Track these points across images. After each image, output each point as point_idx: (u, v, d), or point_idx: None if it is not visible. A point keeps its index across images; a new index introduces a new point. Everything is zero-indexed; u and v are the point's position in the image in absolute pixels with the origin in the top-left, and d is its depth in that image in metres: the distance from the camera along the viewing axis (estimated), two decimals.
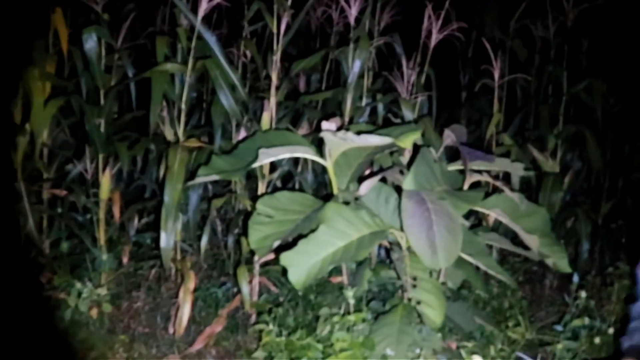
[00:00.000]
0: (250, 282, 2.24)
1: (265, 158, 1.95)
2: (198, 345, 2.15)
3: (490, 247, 2.42)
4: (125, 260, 2.48)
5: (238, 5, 2.48)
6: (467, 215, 2.09)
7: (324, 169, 2.33)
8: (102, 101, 2.37)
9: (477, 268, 2.05)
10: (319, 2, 2.92)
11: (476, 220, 2.55)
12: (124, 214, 2.46)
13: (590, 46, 3.01)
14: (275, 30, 2.30)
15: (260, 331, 1.96)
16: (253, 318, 2.26)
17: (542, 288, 2.78)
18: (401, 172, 2.05)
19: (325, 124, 2.02)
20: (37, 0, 2.30)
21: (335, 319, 1.88)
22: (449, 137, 2.16)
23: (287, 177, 2.67)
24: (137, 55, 2.62)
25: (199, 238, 2.38)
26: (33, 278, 2.30)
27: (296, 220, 1.91)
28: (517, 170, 2.19)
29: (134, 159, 2.71)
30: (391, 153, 2.27)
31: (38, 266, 2.37)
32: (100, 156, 2.38)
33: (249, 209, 2.26)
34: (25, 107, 2.31)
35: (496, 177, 2.38)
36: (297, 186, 2.65)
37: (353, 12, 2.47)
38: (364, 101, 2.60)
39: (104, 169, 2.38)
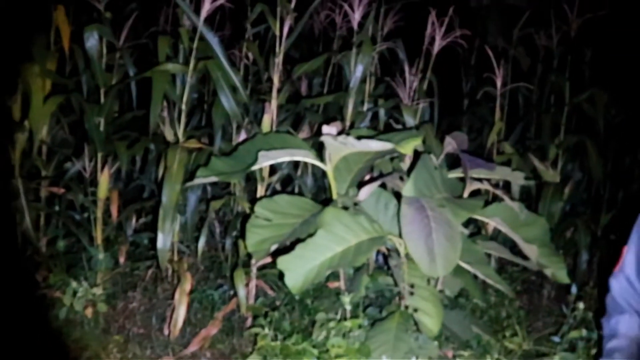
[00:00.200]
0: (247, 285, 2.23)
1: (265, 161, 1.94)
2: (193, 348, 2.14)
3: (489, 256, 2.41)
4: (121, 260, 2.46)
5: (241, 6, 2.48)
6: (466, 223, 2.09)
7: (323, 173, 2.32)
8: (102, 100, 2.36)
9: (475, 277, 2.04)
10: (323, 6, 2.92)
11: (475, 229, 2.54)
12: (121, 213, 2.45)
13: (593, 56, 3.00)
14: (277, 33, 2.30)
15: (256, 335, 1.95)
16: (249, 321, 2.24)
17: (540, 298, 2.77)
18: (401, 179, 2.05)
19: (325, 128, 2.01)
20: None
21: (332, 324, 1.87)
22: (450, 144, 2.15)
23: (287, 181, 2.66)
24: (138, 55, 2.61)
25: (197, 239, 2.37)
26: (29, 276, 2.29)
27: (294, 224, 1.90)
28: (518, 179, 2.18)
29: (133, 158, 2.69)
30: (391, 159, 2.26)
31: (34, 264, 2.36)
32: (99, 155, 2.37)
33: (248, 211, 2.24)
34: (25, 104, 2.30)
35: (496, 186, 2.37)
36: (296, 190, 2.64)
37: (356, 17, 2.46)
38: (366, 106, 2.59)
39: (102, 168, 2.37)
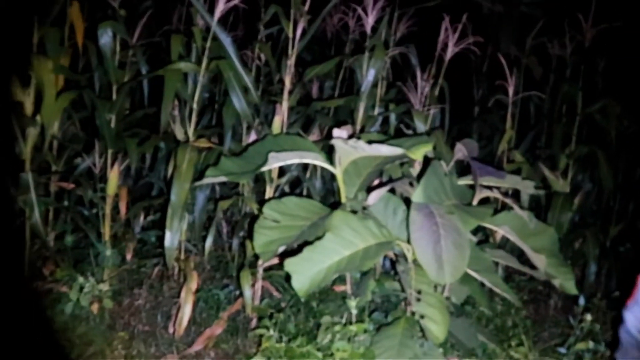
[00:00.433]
0: (253, 285, 2.23)
1: (275, 162, 1.94)
2: (197, 347, 2.14)
3: (496, 264, 2.39)
4: (128, 256, 2.47)
5: (254, 8, 2.49)
6: (474, 231, 2.07)
7: (332, 177, 2.32)
8: (114, 96, 2.38)
9: (482, 284, 2.03)
10: (336, 9, 2.93)
11: (483, 236, 2.52)
12: (130, 210, 2.45)
13: (606, 67, 2.98)
14: (290, 35, 2.30)
15: (260, 336, 1.94)
16: (254, 322, 2.24)
17: (547, 308, 2.75)
18: (411, 184, 2.04)
19: (336, 132, 2.01)
20: None
21: (337, 328, 1.87)
22: (460, 151, 2.15)
23: (295, 183, 2.66)
24: (151, 53, 2.63)
25: (204, 239, 2.37)
26: (36, 269, 2.30)
27: (302, 226, 1.90)
28: (528, 188, 2.16)
29: (143, 156, 2.71)
30: (401, 164, 2.26)
31: (41, 258, 2.37)
32: (110, 151, 2.38)
33: (256, 212, 2.24)
34: (38, 99, 2.31)
35: (505, 194, 2.36)
36: (304, 192, 2.64)
37: (370, 21, 2.47)
38: (377, 110, 2.59)
39: (112, 165, 2.38)
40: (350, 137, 1.98)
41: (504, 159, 2.74)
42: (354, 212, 1.95)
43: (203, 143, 2.28)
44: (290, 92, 2.35)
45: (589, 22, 2.79)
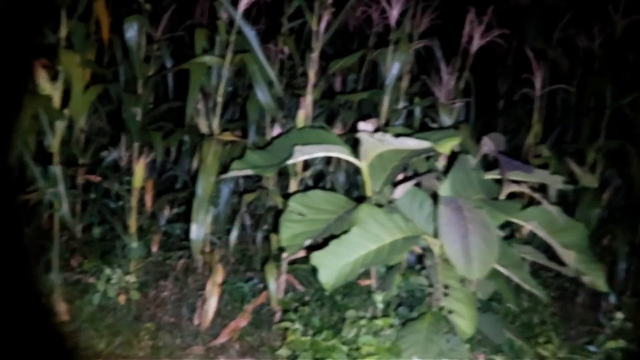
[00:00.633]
0: (277, 279, 2.23)
1: (300, 155, 1.94)
2: (222, 339, 2.15)
3: (523, 260, 2.36)
4: (154, 249, 2.50)
5: (277, 1, 2.48)
6: (501, 226, 2.04)
7: (356, 170, 2.31)
8: (139, 90, 2.39)
9: (509, 280, 2.00)
10: (359, 2, 2.90)
11: (509, 232, 2.49)
12: (155, 203, 2.48)
13: (636, 59, 2.91)
14: (314, 28, 2.29)
15: (285, 329, 1.95)
16: (278, 315, 2.24)
17: (574, 306, 2.70)
18: (437, 178, 2.02)
19: (362, 125, 1.99)
20: None
21: (362, 322, 1.86)
22: (487, 145, 2.11)
23: (319, 177, 2.66)
24: (175, 47, 2.64)
25: (228, 232, 2.38)
26: (64, 261, 2.33)
27: (328, 220, 1.89)
28: (556, 183, 2.12)
29: (168, 149, 2.72)
30: (427, 158, 2.23)
31: (70, 249, 2.41)
32: (135, 145, 2.40)
33: (280, 206, 2.24)
34: (66, 93, 2.34)
35: (533, 189, 2.32)
36: (328, 186, 2.63)
37: (394, 14, 2.44)
38: (401, 104, 2.57)
39: (138, 158, 2.40)
40: (376, 130, 1.97)
41: (530, 154, 2.69)
42: (380, 205, 1.93)
43: (227, 136, 2.29)
44: (314, 86, 2.34)
45: (619, 12, 2.72)
